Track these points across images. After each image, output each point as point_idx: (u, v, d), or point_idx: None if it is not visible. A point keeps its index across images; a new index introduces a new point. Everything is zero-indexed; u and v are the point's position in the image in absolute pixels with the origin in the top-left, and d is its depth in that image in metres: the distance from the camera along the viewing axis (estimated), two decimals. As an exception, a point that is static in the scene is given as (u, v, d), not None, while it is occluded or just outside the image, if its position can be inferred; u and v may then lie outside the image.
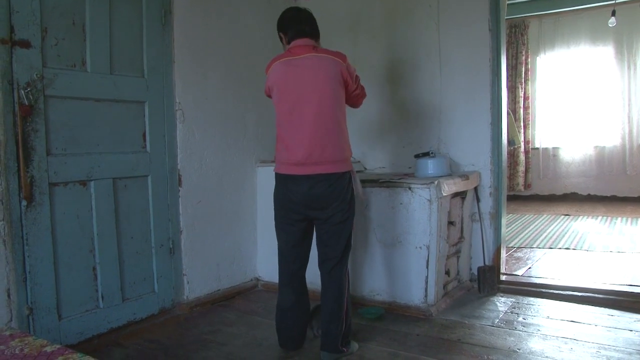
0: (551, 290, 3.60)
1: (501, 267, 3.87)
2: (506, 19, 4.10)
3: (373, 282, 3.52)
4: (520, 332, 2.96)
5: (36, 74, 2.62)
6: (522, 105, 8.44)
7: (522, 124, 8.42)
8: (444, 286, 3.51)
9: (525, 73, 8.41)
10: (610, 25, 6.44)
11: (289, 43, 2.71)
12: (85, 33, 2.87)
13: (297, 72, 2.60)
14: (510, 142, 5.80)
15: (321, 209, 2.63)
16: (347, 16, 4.37)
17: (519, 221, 6.55)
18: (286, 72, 2.62)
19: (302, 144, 2.58)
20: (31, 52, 2.60)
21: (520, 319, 3.19)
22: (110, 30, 3.00)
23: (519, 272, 4.06)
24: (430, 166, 3.57)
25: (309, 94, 2.57)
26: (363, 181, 3.54)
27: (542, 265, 4.31)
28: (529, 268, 4.20)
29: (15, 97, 2.53)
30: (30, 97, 2.59)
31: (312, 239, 2.84)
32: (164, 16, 3.31)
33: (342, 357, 2.68)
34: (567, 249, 4.93)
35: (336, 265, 2.68)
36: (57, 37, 2.73)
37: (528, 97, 8.45)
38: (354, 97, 2.81)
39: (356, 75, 2.76)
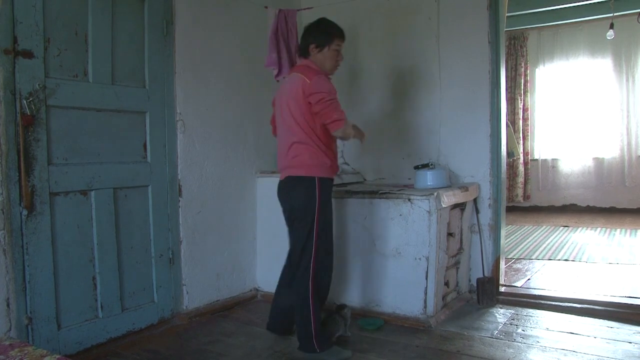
0: (550, 302, 3.60)
1: (500, 278, 3.87)
2: (505, 30, 4.13)
3: (372, 293, 3.51)
4: (520, 344, 2.96)
5: (38, 84, 2.63)
6: (521, 117, 8.47)
7: (521, 135, 8.44)
8: (443, 297, 3.51)
9: (525, 85, 8.45)
10: (608, 38, 6.47)
11: None
12: (88, 43, 2.89)
13: (280, 90, 3.05)
14: (510, 153, 5.81)
15: (289, 210, 2.99)
16: (347, 27, 4.35)
17: (518, 232, 6.55)
18: (278, 89, 3.12)
19: (279, 153, 3.04)
20: (34, 62, 2.62)
21: (519, 330, 3.18)
22: (112, 40, 3.02)
23: (518, 284, 4.05)
24: (429, 178, 3.58)
25: (281, 109, 2.96)
26: (362, 192, 3.56)
27: (541, 276, 4.31)
28: (528, 279, 4.20)
29: (18, 106, 2.55)
30: (33, 106, 2.60)
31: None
32: (165, 27, 3.33)
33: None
34: (566, 260, 4.93)
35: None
36: (60, 47, 2.75)
37: (527, 108, 8.48)
38: (317, 116, 2.85)
39: (322, 96, 2.80)
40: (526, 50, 8.44)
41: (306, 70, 2.89)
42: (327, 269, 3.06)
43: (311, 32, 2.97)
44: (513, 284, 4.02)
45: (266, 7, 3.82)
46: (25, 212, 2.59)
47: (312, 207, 2.85)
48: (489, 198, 3.81)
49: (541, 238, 6.11)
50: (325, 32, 2.95)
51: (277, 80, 3.86)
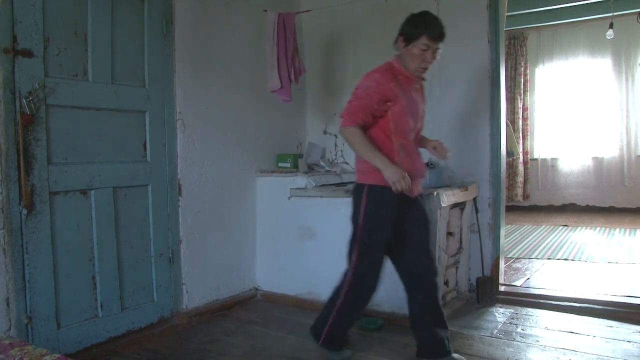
0: (550, 301, 3.60)
1: (500, 277, 3.87)
2: (505, 30, 4.12)
3: (372, 292, 3.51)
4: (519, 343, 2.96)
5: (38, 83, 2.63)
6: (520, 116, 8.47)
7: (520, 134, 8.45)
8: (443, 297, 3.51)
9: (524, 84, 8.45)
10: (608, 38, 6.48)
11: None
12: (87, 43, 2.89)
13: None
14: (509, 153, 5.81)
15: None
16: (346, 29, 4.39)
17: (518, 232, 6.55)
18: None
19: None
20: (33, 61, 2.62)
21: (518, 329, 3.19)
22: (111, 40, 3.02)
23: (518, 283, 4.06)
24: (429, 177, 3.58)
25: None
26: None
27: (541, 276, 4.32)
28: (528, 279, 4.20)
29: (17, 106, 2.55)
30: (32, 106, 2.60)
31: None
32: (165, 26, 3.33)
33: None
34: (565, 259, 4.93)
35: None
36: (60, 46, 2.75)
37: (527, 108, 8.48)
38: None
39: (354, 91, 2.60)
40: (526, 50, 8.44)
41: (381, 66, 2.64)
42: (367, 291, 2.77)
43: (406, 21, 2.63)
44: (512, 284, 4.03)
45: (265, 11, 3.82)
46: (25, 212, 2.59)
47: (356, 218, 2.67)
48: (489, 197, 3.81)
49: (541, 237, 6.12)
50: (415, 25, 2.56)
51: (274, 93, 3.85)
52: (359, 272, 2.67)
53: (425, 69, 2.61)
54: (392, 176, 2.47)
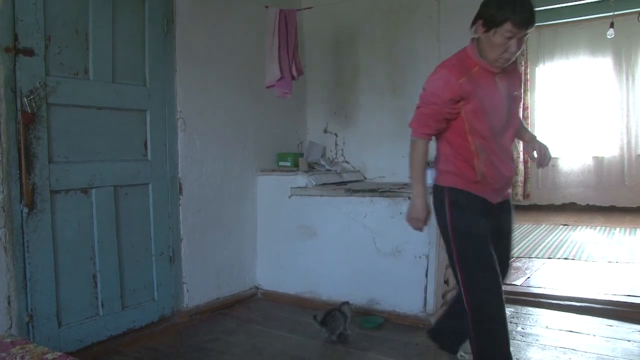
0: (550, 300, 3.60)
1: (500, 276, 3.87)
2: (505, 30, 4.11)
3: (372, 291, 3.52)
4: (519, 342, 2.97)
5: (39, 82, 2.63)
6: (521, 116, 8.45)
7: (521, 134, 8.43)
8: (443, 296, 3.51)
9: (525, 83, 8.42)
10: (608, 37, 6.47)
11: None
12: (88, 41, 2.89)
13: None
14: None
15: None
16: (347, 26, 4.40)
17: (518, 231, 6.54)
18: None
19: None
20: (34, 60, 2.62)
21: (519, 328, 3.19)
22: (112, 38, 3.02)
23: (518, 282, 4.06)
24: (430, 176, 3.57)
25: None
26: (362, 191, 3.56)
27: (541, 275, 4.32)
28: (528, 278, 4.20)
29: (18, 104, 2.55)
30: (33, 104, 2.60)
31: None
32: (165, 25, 3.33)
33: None
34: (565, 259, 4.93)
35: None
36: (60, 45, 2.75)
37: (527, 107, 8.47)
38: None
39: (420, 96, 2.29)
40: (526, 49, 8.41)
41: (452, 56, 2.31)
42: (498, 323, 2.23)
43: (486, 2, 2.16)
44: (513, 283, 4.02)
45: (267, 7, 3.82)
46: (26, 210, 2.59)
47: (444, 231, 2.36)
48: (489, 196, 3.81)
49: (541, 237, 6.12)
50: (498, 8, 2.07)
51: (271, 88, 3.82)
52: (474, 306, 2.23)
53: (508, 59, 2.16)
54: (410, 213, 2.34)
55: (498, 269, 2.21)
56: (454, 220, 2.27)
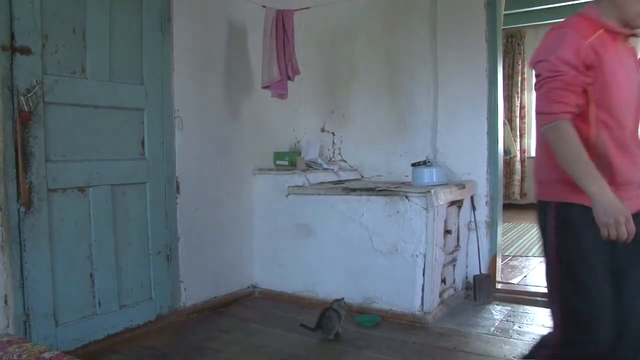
0: (547, 299, 3.61)
1: (497, 275, 3.89)
2: (502, 29, 4.13)
3: (369, 290, 3.52)
4: (516, 341, 2.98)
5: (36, 81, 2.62)
6: (518, 115, 8.48)
7: (518, 133, 8.45)
8: (440, 294, 3.52)
9: (522, 83, 8.45)
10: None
11: None
12: (86, 40, 2.89)
13: None
14: (507, 151, 5.83)
15: None
16: (345, 26, 4.40)
17: (515, 230, 6.56)
18: None
19: None
20: (31, 58, 2.61)
21: (515, 327, 3.20)
22: (110, 37, 3.01)
23: (515, 281, 4.07)
24: (426, 175, 3.59)
25: None
26: (359, 190, 3.57)
27: (538, 273, 4.32)
28: (525, 276, 4.21)
29: (15, 103, 2.54)
30: (30, 103, 2.59)
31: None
32: (163, 24, 3.33)
33: None
34: (562, 257, 4.94)
35: None
36: (58, 44, 2.75)
37: (524, 106, 8.49)
38: None
39: (540, 69, 1.72)
40: (523, 49, 8.44)
41: (567, 18, 1.76)
42: None
43: None
44: (510, 281, 4.04)
45: (264, 7, 3.82)
46: (22, 209, 2.59)
47: (547, 253, 1.89)
48: (486, 195, 3.82)
49: (538, 235, 6.11)
50: None
51: (267, 89, 3.83)
52: (569, 340, 1.79)
53: None
54: (605, 213, 1.56)
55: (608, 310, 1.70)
56: (562, 243, 1.79)
